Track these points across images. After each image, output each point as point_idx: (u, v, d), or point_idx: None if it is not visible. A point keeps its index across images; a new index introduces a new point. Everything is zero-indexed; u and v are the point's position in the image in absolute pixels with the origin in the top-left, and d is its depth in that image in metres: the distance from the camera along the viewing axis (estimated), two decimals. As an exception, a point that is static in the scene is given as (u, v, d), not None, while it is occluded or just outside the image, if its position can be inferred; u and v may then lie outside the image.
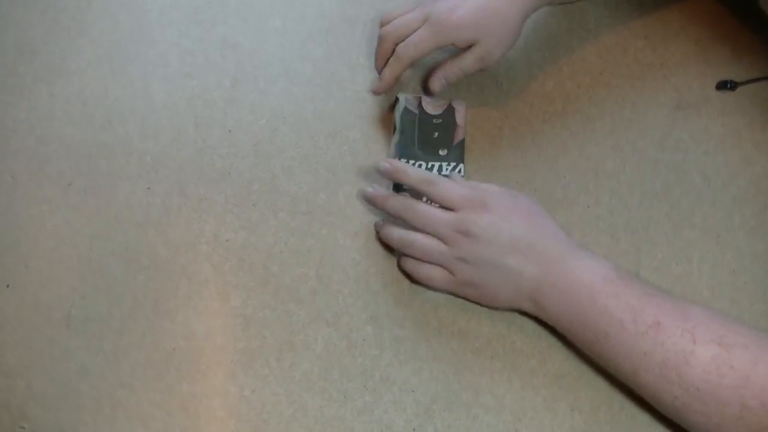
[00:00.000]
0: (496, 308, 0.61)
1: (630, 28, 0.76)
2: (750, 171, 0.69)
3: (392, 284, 0.63)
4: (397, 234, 0.61)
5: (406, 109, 0.67)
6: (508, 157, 0.68)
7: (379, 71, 0.69)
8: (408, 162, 0.65)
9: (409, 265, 0.61)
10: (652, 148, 0.69)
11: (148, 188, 0.66)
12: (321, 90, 0.70)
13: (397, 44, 0.66)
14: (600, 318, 0.54)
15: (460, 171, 0.66)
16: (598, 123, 0.70)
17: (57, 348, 0.60)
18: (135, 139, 0.68)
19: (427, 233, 0.60)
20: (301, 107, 0.69)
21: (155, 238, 0.64)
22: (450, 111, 0.68)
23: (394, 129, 0.67)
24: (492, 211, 0.58)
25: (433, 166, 0.65)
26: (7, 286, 0.62)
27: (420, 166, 0.65)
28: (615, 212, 0.66)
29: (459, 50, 0.66)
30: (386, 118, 0.69)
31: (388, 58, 0.68)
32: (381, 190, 0.63)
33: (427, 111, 0.67)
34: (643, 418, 0.58)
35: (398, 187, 0.64)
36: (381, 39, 0.67)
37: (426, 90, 0.69)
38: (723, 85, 0.63)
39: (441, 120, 0.67)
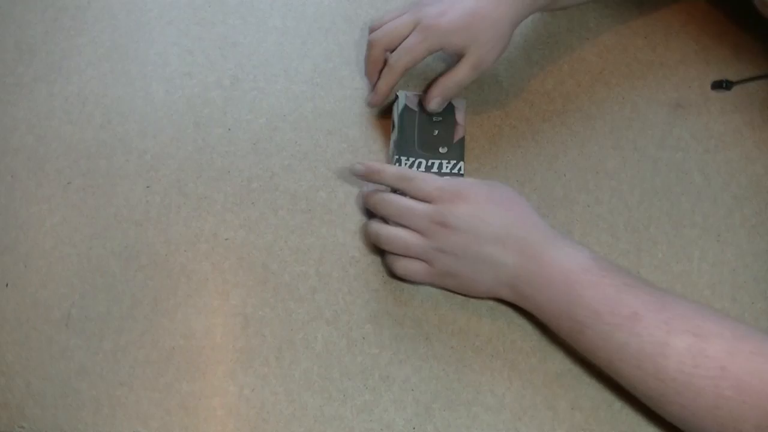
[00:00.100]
0: (477, 297, 0.61)
1: (630, 28, 0.76)
2: (750, 169, 0.69)
3: (392, 282, 0.63)
4: (374, 230, 0.61)
5: (406, 107, 0.67)
6: (508, 156, 0.68)
7: (370, 78, 0.69)
8: (408, 160, 0.65)
9: (389, 259, 0.61)
10: (652, 147, 0.69)
11: (148, 187, 0.65)
12: (321, 89, 0.70)
13: (386, 50, 0.66)
14: (577, 308, 0.54)
15: (460, 169, 0.65)
16: (598, 122, 0.70)
17: (56, 347, 0.60)
18: (134, 137, 0.67)
19: (406, 227, 0.60)
20: (301, 105, 0.69)
21: (155, 237, 0.64)
22: (450, 109, 0.68)
23: (393, 126, 0.67)
24: (469, 201, 0.58)
25: (433, 164, 0.65)
26: (7, 285, 0.62)
27: (420, 164, 0.65)
28: (615, 211, 0.66)
29: (450, 59, 0.65)
30: (386, 116, 0.69)
31: (378, 64, 0.67)
32: (368, 188, 0.63)
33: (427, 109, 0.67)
34: (644, 417, 0.58)
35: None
36: (370, 45, 0.67)
37: (423, 107, 0.68)
38: (718, 85, 0.63)
39: (441, 118, 0.67)
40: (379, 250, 0.63)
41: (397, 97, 0.67)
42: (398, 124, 0.67)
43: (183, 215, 0.64)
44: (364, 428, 0.58)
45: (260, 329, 0.61)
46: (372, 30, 0.67)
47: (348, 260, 0.63)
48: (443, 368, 0.60)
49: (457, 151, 0.66)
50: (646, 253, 0.65)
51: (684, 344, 0.51)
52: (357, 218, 0.65)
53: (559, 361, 0.60)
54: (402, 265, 0.60)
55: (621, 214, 0.66)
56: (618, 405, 0.59)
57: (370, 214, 0.64)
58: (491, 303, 0.62)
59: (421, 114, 0.67)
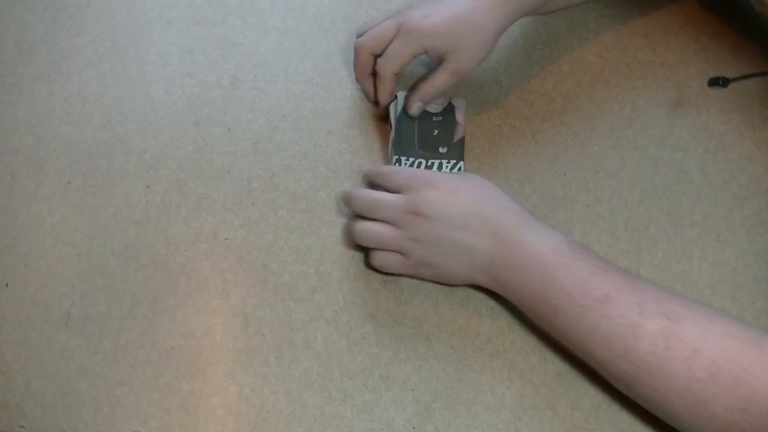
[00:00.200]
0: (454, 285, 0.62)
1: (630, 28, 0.76)
2: (750, 169, 0.69)
3: (392, 282, 0.62)
4: (349, 226, 0.62)
5: (405, 107, 0.67)
6: (508, 156, 0.68)
7: (360, 83, 0.69)
8: (408, 159, 0.65)
9: (370, 254, 0.61)
10: (652, 147, 0.69)
11: (148, 187, 0.65)
12: (321, 89, 0.70)
13: (372, 54, 0.66)
14: (549, 291, 0.55)
15: (460, 169, 0.65)
16: (598, 121, 0.70)
17: (56, 347, 0.60)
18: (134, 137, 0.67)
19: (379, 220, 0.60)
20: (301, 105, 0.69)
21: (154, 237, 0.64)
22: (450, 109, 0.67)
23: (391, 127, 0.67)
24: (439, 188, 0.58)
25: (432, 164, 0.65)
26: (6, 284, 0.62)
27: (420, 164, 0.65)
28: (615, 210, 0.66)
29: (433, 63, 0.65)
30: (386, 116, 0.69)
31: (366, 69, 0.67)
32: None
33: (427, 109, 0.67)
34: (643, 417, 0.58)
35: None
36: (356, 51, 0.67)
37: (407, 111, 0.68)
38: (715, 82, 0.63)
39: (441, 118, 0.67)
40: (362, 247, 0.64)
41: (396, 97, 0.67)
42: (397, 123, 0.67)
43: (183, 215, 0.64)
44: (364, 428, 0.58)
45: (260, 329, 0.61)
46: (359, 36, 0.67)
47: (348, 260, 0.63)
48: (443, 368, 0.60)
49: (457, 151, 0.66)
50: (646, 253, 0.65)
51: (657, 326, 0.51)
52: (357, 218, 0.65)
53: (559, 361, 0.60)
54: (378, 258, 0.60)
55: (621, 213, 0.66)
56: (618, 405, 0.59)
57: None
58: (491, 302, 0.62)
59: (420, 114, 0.67)
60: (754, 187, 0.68)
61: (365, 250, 0.63)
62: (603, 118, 0.70)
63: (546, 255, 0.55)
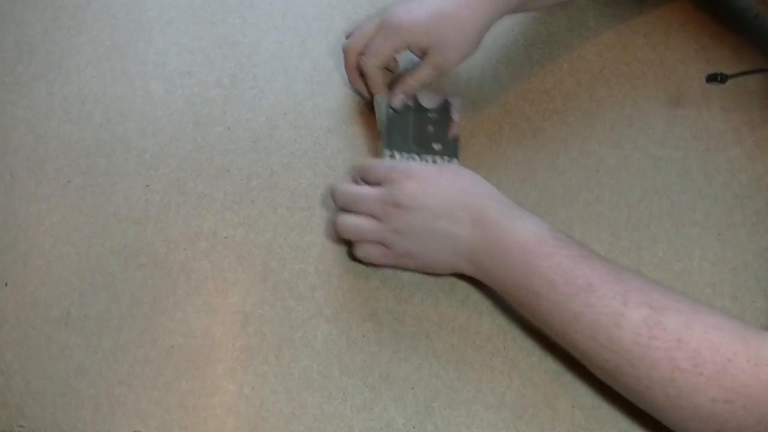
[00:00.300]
0: (438, 274, 0.62)
1: (630, 27, 0.76)
2: (751, 168, 0.69)
3: (392, 280, 0.62)
4: (333, 220, 0.61)
5: (392, 106, 0.67)
6: (509, 154, 0.68)
7: (352, 85, 0.69)
8: (401, 155, 0.65)
9: (354, 246, 0.61)
10: (652, 145, 0.69)
11: (147, 186, 0.65)
12: (320, 86, 0.70)
13: (359, 54, 0.66)
14: (532, 278, 0.54)
15: None
16: (599, 120, 0.70)
17: (55, 346, 0.60)
18: (134, 136, 0.67)
19: (362, 213, 0.60)
20: (301, 103, 0.69)
21: (154, 236, 0.63)
22: (445, 106, 0.67)
23: (380, 134, 0.67)
24: (418, 179, 0.58)
25: (426, 160, 0.65)
26: (6, 284, 0.62)
27: (413, 158, 0.65)
28: (616, 209, 0.66)
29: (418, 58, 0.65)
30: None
31: (356, 70, 0.67)
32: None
33: (423, 105, 0.67)
34: (644, 416, 0.58)
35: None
36: (344, 52, 0.67)
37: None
38: (713, 78, 0.63)
39: (436, 114, 0.67)
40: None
41: (376, 101, 0.67)
42: (390, 119, 0.66)
43: (182, 214, 0.64)
44: (364, 427, 0.57)
45: (260, 327, 0.60)
46: (347, 37, 0.68)
47: (348, 258, 0.63)
48: (443, 366, 0.59)
49: (452, 148, 0.66)
50: (647, 252, 0.64)
51: (640, 316, 0.50)
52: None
53: (559, 360, 0.60)
54: (361, 250, 0.60)
55: (621, 212, 0.66)
56: (619, 404, 0.58)
57: None
58: (492, 300, 0.62)
59: (416, 110, 0.67)
60: (755, 186, 0.68)
61: (350, 243, 0.63)
62: (603, 116, 0.70)
63: (529, 243, 0.55)
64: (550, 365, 0.60)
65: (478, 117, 0.69)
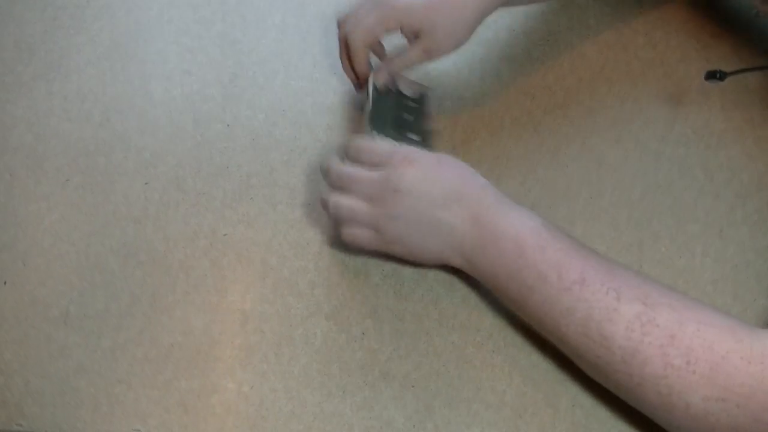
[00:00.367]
0: (423, 264, 0.61)
1: (630, 26, 0.76)
2: (752, 166, 0.69)
3: (392, 277, 0.62)
4: (322, 198, 0.60)
5: (378, 88, 0.66)
6: (510, 148, 0.68)
7: (342, 62, 0.67)
8: (380, 136, 0.63)
9: (340, 227, 0.60)
10: (654, 142, 0.69)
11: (146, 184, 0.65)
12: (320, 84, 0.70)
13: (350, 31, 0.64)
14: (525, 271, 0.54)
15: None
16: (600, 115, 0.70)
17: (54, 345, 0.59)
18: (133, 135, 0.67)
19: (354, 194, 0.59)
20: (300, 101, 0.69)
21: (153, 234, 0.63)
22: (423, 99, 0.67)
23: (367, 100, 0.65)
24: (420, 166, 0.57)
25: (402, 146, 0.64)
26: (5, 283, 0.62)
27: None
28: (618, 205, 0.66)
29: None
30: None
31: (345, 47, 0.65)
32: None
33: (403, 91, 0.66)
34: (644, 416, 0.58)
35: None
36: (338, 26, 0.65)
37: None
38: (712, 75, 0.63)
39: (415, 104, 0.66)
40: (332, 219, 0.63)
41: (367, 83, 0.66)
42: (376, 100, 0.65)
43: (182, 212, 0.64)
44: (363, 425, 0.57)
45: (259, 325, 0.60)
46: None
47: (347, 254, 0.63)
48: (444, 364, 0.59)
49: (427, 140, 0.65)
50: (648, 248, 0.64)
51: (633, 311, 0.50)
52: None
53: (560, 358, 0.60)
54: (349, 233, 0.59)
55: (623, 208, 0.66)
56: (619, 403, 0.58)
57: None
58: (492, 298, 0.61)
59: (397, 95, 0.66)
60: (756, 184, 0.68)
61: (334, 223, 0.62)
62: (604, 112, 0.70)
63: (523, 236, 0.55)
64: (551, 363, 0.59)
65: (478, 111, 0.69)
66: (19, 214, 0.64)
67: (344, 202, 0.59)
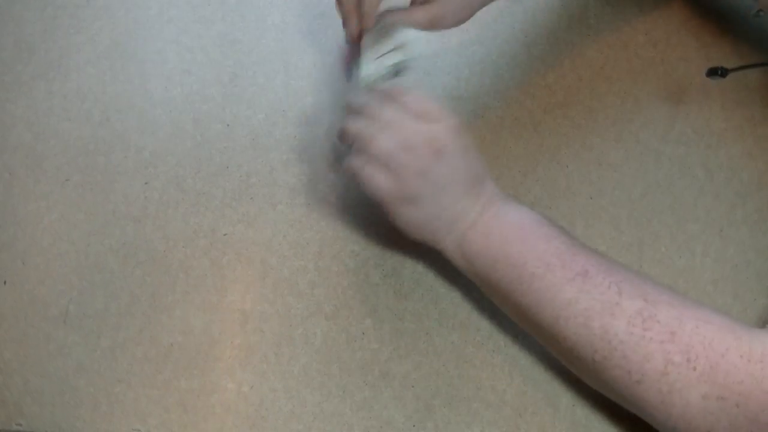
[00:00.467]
0: (412, 236, 0.57)
1: (630, 24, 0.76)
2: (752, 165, 0.68)
3: (392, 276, 0.62)
4: (355, 128, 0.56)
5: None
6: (510, 147, 0.68)
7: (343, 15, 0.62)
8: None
9: (358, 162, 0.56)
10: (654, 141, 0.69)
11: (146, 183, 0.65)
12: (320, 83, 0.70)
13: None
14: (529, 259, 0.53)
15: None
16: (600, 114, 0.70)
17: (54, 344, 0.59)
18: (133, 134, 0.67)
19: (394, 135, 0.55)
20: (300, 100, 0.69)
21: (153, 233, 0.63)
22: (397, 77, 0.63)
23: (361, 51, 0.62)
24: (465, 140, 0.56)
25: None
26: (4, 282, 0.62)
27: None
28: (618, 204, 0.66)
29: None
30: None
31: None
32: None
33: (386, 53, 0.61)
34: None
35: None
36: None
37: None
38: (714, 72, 0.63)
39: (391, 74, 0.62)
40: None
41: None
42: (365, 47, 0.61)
43: (181, 211, 0.64)
44: (363, 425, 0.57)
45: (259, 325, 0.60)
46: None
47: (347, 254, 0.63)
48: (444, 364, 0.59)
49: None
50: (649, 247, 0.64)
51: (635, 307, 0.50)
52: (357, 212, 0.65)
53: (560, 357, 0.60)
54: (369, 173, 0.55)
55: (624, 207, 0.66)
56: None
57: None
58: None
59: (381, 54, 0.61)
60: (756, 184, 0.68)
61: (355, 158, 0.57)
62: (605, 111, 0.70)
63: (528, 225, 0.55)
64: (551, 363, 0.59)
65: (479, 110, 0.69)
66: (18, 213, 0.64)
67: (382, 140, 0.54)
